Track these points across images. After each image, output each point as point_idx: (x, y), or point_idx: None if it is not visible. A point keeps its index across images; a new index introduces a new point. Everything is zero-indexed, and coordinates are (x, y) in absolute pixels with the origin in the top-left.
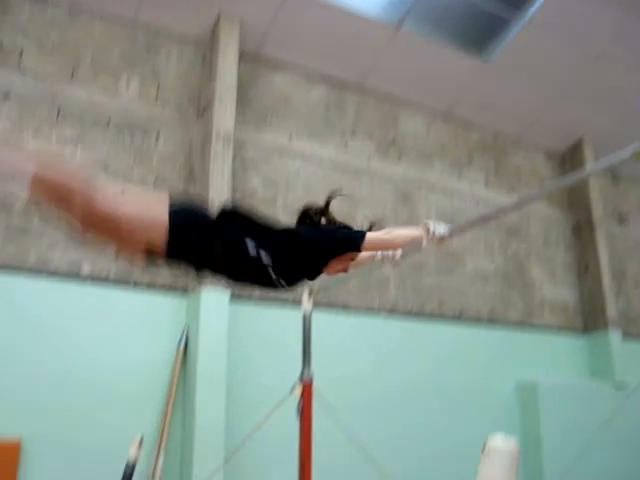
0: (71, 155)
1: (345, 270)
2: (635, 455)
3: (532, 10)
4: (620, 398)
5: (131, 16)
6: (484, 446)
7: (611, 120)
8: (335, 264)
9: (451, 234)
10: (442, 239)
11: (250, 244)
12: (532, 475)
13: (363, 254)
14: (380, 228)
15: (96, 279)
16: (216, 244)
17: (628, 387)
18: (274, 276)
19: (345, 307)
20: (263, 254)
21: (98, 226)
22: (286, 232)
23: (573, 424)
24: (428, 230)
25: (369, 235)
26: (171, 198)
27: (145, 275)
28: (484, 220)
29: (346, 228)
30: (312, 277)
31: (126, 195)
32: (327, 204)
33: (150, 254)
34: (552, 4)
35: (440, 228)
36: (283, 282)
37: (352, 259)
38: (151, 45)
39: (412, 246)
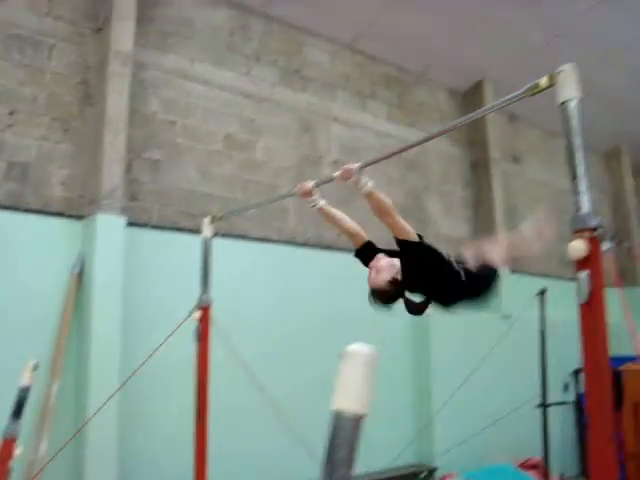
0: None
1: None
2: (514, 375)
3: None
4: (505, 327)
5: None
6: (343, 352)
7: (512, 62)
8: None
9: (359, 168)
10: (349, 171)
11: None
12: (422, 397)
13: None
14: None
15: None
16: None
17: (513, 318)
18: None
19: (245, 236)
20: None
21: None
22: None
23: (461, 352)
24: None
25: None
26: None
27: (37, 199)
28: (389, 156)
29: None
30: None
31: None
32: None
33: None
34: None
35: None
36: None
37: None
38: None
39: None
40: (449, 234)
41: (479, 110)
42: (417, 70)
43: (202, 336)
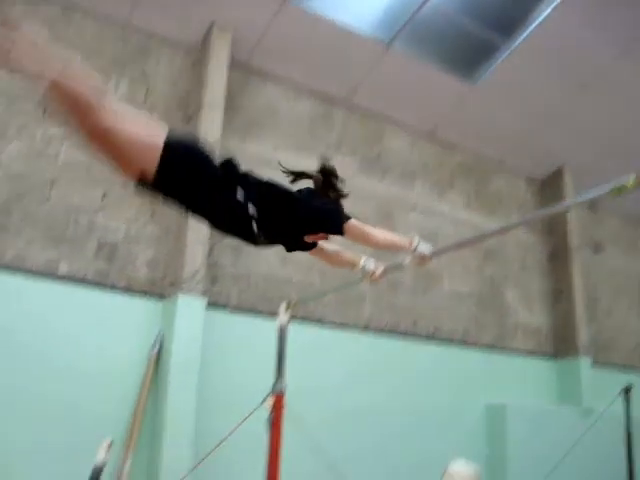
0: (56, 153)
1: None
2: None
3: (521, 37)
4: (586, 424)
5: (124, 18)
6: (445, 470)
7: (592, 150)
8: (311, 239)
9: (433, 255)
10: (424, 259)
11: (240, 192)
12: None
13: (344, 258)
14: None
15: (73, 279)
16: (205, 184)
17: (594, 413)
18: (256, 230)
19: (321, 321)
20: (250, 205)
21: (99, 139)
22: (280, 191)
23: (539, 448)
24: (412, 244)
25: (353, 221)
26: (171, 130)
27: (122, 278)
28: (466, 244)
29: (337, 206)
30: (290, 247)
31: (129, 114)
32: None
33: (142, 181)
34: (541, 33)
35: (424, 247)
36: (263, 238)
37: (325, 238)
38: (143, 48)
39: (393, 265)
40: (528, 324)
41: (558, 205)
42: (495, 158)
43: (274, 425)
